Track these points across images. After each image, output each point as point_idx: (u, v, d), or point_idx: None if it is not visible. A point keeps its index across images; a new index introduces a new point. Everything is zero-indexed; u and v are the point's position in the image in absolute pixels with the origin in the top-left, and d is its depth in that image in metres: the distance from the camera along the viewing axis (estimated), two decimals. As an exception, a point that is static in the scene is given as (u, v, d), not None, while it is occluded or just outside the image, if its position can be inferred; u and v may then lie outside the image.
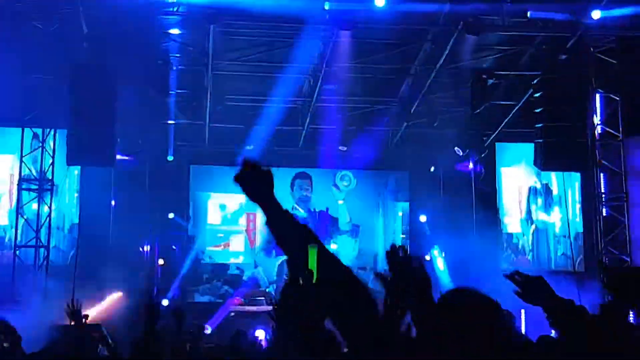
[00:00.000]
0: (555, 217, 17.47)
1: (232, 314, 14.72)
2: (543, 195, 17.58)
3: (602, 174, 15.87)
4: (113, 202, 15.44)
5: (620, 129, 15.64)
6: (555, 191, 17.54)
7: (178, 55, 14.51)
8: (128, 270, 14.75)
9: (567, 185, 17.36)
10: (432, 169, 16.63)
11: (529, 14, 13.25)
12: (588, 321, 2.96)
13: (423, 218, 16.64)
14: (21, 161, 15.02)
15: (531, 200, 17.54)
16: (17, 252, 14.75)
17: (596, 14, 13.50)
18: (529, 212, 17.54)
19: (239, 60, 14.80)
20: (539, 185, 17.61)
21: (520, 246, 17.35)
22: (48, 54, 13.55)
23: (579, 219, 17.38)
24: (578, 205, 17.42)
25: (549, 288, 3.20)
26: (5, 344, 6.12)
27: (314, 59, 14.58)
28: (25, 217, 14.94)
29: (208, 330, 12.30)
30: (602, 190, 15.93)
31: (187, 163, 16.59)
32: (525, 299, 3.32)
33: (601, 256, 15.65)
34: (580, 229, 17.28)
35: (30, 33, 13.26)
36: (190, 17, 13.34)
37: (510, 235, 17.35)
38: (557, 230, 17.41)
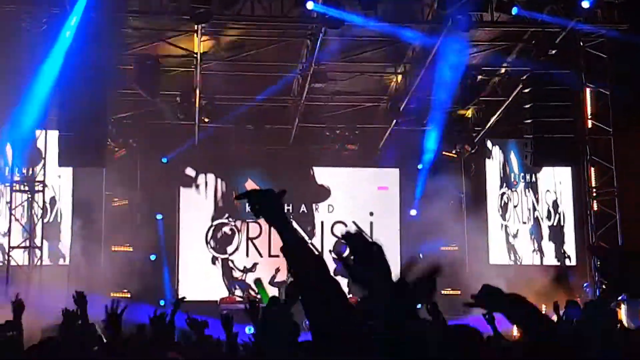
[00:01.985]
0: (544, 212, 17.50)
1: (224, 312, 14.72)
2: (532, 190, 17.61)
3: (592, 169, 15.90)
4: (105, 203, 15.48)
5: (611, 123, 15.65)
6: (543, 186, 17.58)
7: (167, 55, 14.56)
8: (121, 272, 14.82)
9: (557, 179, 17.44)
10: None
11: (514, 10, 13.24)
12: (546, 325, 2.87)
13: (413, 212, 16.68)
14: (13, 163, 15.03)
15: (521, 195, 17.57)
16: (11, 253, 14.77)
17: (585, 4, 13.51)
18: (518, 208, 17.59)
19: (228, 60, 14.81)
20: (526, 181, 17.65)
21: (511, 240, 17.39)
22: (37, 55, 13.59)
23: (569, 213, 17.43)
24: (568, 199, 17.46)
25: (498, 294, 2.92)
26: (10, 333, 6.25)
27: (303, 58, 14.63)
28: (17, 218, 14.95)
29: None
30: (593, 185, 15.96)
31: (178, 163, 16.60)
32: (491, 310, 3.15)
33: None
34: (571, 224, 17.33)
35: (19, 34, 13.29)
36: (179, 18, 13.38)
37: (503, 230, 17.39)
38: (547, 224, 17.44)
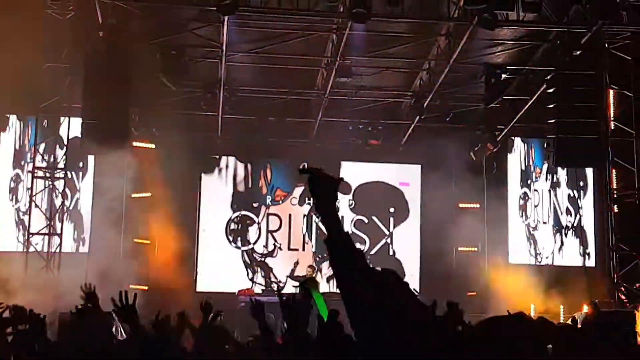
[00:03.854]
0: (565, 212, 17.46)
1: (242, 304, 14.74)
2: (553, 190, 17.58)
3: (614, 171, 15.84)
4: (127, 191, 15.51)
5: (634, 125, 15.58)
6: (565, 186, 17.54)
7: (192, 46, 14.57)
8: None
9: (578, 180, 17.40)
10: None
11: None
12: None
13: None
14: (35, 150, 15.10)
15: (542, 195, 17.54)
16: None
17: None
18: (539, 207, 17.55)
19: (253, 52, 14.82)
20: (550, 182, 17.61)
21: (531, 240, 17.36)
22: (63, 42, 13.66)
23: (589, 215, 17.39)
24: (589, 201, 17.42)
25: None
26: (21, 327, 6.17)
27: (328, 52, 14.63)
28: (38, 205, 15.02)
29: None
30: (615, 187, 15.90)
31: (200, 154, 16.63)
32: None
33: (612, 253, 15.65)
34: (591, 225, 17.29)
35: (46, 22, 13.33)
36: (205, 9, 13.41)
37: (523, 229, 17.35)
38: (568, 225, 17.40)
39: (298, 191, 17.04)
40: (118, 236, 15.36)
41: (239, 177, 17.09)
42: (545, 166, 17.15)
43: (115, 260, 14.69)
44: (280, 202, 17.10)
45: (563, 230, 17.37)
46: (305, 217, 17.05)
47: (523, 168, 17.58)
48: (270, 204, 17.07)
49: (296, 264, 16.44)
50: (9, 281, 13.00)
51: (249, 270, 16.85)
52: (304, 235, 17.00)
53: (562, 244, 17.31)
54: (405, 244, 17.16)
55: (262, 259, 16.88)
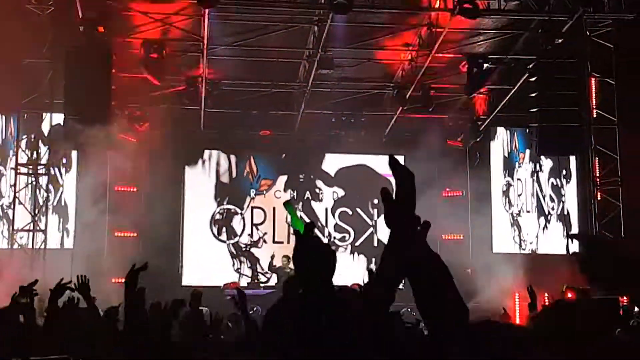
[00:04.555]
0: (548, 201, 17.54)
1: (228, 297, 14.75)
2: (536, 179, 17.66)
3: (596, 158, 15.90)
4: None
5: (616, 113, 15.63)
6: (548, 174, 17.63)
7: (173, 39, 14.51)
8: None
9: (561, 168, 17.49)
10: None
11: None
12: None
13: None
14: (17, 146, 15.03)
15: (525, 184, 17.62)
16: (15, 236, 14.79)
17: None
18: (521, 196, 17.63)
19: (235, 45, 14.78)
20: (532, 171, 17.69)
21: (515, 229, 17.44)
22: (43, 38, 13.58)
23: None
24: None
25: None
26: (24, 300, 6.31)
27: (309, 43, 14.60)
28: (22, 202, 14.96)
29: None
30: (597, 175, 15.96)
31: (183, 147, 16.60)
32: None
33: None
34: (575, 213, 17.39)
35: (25, 17, 13.24)
36: (186, 1, 13.35)
37: (507, 218, 17.43)
38: (552, 213, 17.49)
39: (282, 179, 17.06)
40: (102, 231, 15.33)
41: (222, 169, 17.09)
42: (528, 152, 17.21)
43: (99, 255, 14.68)
44: (265, 192, 17.10)
45: (547, 218, 17.46)
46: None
47: (506, 155, 17.64)
48: (255, 195, 17.07)
49: (272, 257, 16.46)
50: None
51: (234, 260, 16.86)
52: (288, 228, 17.02)
53: (546, 230, 17.40)
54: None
55: (248, 249, 16.89)
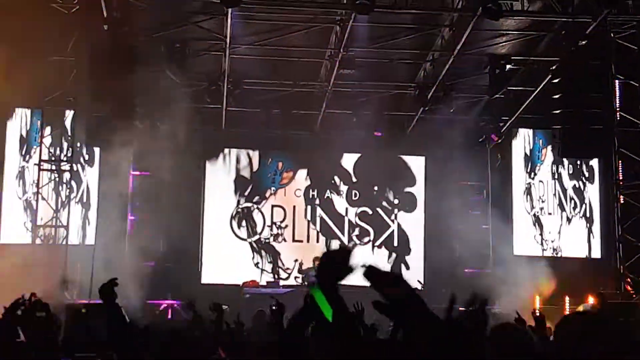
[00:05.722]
0: (571, 204, 17.42)
1: (247, 295, 14.83)
2: (558, 181, 17.54)
3: (620, 161, 15.78)
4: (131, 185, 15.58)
5: (640, 115, 15.52)
6: (571, 177, 17.51)
7: (196, 39, 14.59)
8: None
9: (584, 171, 17.37)
10: None
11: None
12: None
13: None
14: (41, 142, 15.20)
15: (547, 187, 17.51)
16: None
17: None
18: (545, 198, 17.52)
19: (257, 44, 14.83)
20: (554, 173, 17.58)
21: (536, 232, 17.34)
22: (68, 35, 13.72)
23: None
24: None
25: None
26: (40, 314, 6.35)
27: (331, 43, 14.62)
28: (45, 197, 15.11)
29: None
30: (620, 178, 15.84)
31: (204, 146, 16.70)
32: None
33: (618, 244, 15.62)
34: (597, 216, 17.26)
35: (51, 15, 13.38)
36: (209, 1, 13.41)
37: (528, 221, 17.33)
38: (574, 216, 17.37)
39: (302, 173, 17.11)
40: (124, 228, 15.45)
41: (242, 165, 17.14)
42: (550, 153, 17.10)
43: (120, 252, 14.80)
44: (286, 185, 17.12)
45: (569, 219, 17.33)
46: (309, 208, 17.13)
47: (528, 155, 17.53)
48: (277, 187, 17.09)
49: (298, 261, 16.52)
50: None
51: (255, 254, 16.87)
52: (308, 227, 17.06)
53: (568, 230, 17.28)
54: (410, 235, 17.24)
55: (268, 242, 16.91)
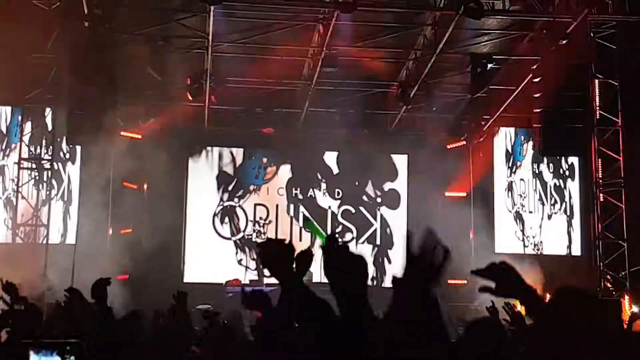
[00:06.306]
0: (551, 202, 17.57)
1: (230, 294, 14.76)
2: (539, 179, 17.68)
3: (600, 160, 15.92)
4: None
5: (619, 114, 15.67)
6: (551, 175, 17.64)
7: (178, 36, 14.52)
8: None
9: (564, 169, 17.51)
10: None
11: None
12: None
13: None
14: (21, 140, 15.07)
15: (528, 184, 17.64)
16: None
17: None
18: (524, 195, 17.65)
19: (239, 42, 14.79)
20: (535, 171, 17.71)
21: (517, 229, 17.46)
22: (49, 32, 13.60)
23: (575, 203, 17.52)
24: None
25: (516, 274, 2.68)
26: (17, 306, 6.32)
27: (314, 42, 14.62)
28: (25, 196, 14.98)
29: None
30: (600, 176, 15.98)
31: (187, 144, 16.64)
32: (499, 294, 2.72)
33: (598, 242, 15.75)
34: (577, 214, 17.41)
35: (31, 12, 13.26)
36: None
37: (509, 218, 17.45)
38: (554, 214, 17.51)
39: (285, 169, 17.10)
40: (104, 227, 15.34)
41: (225, 162, 17.10)
42: (531, 151, 17.23)
43: (101, 251, 14.69)
44: (269, 180, 17.10)
45: (549, 218, 17.47)
46: (292, 206, 17.14)
47: (509, 153, 17.64)
48: (260, 183, 17.06)
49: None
50: None
51: (238, 251, 16.84)
52: (291, 223, 17.07)
53: (549, 227, 17.41)
54: (394, 231, 17.30)
55: (251, 238, 16.88)
